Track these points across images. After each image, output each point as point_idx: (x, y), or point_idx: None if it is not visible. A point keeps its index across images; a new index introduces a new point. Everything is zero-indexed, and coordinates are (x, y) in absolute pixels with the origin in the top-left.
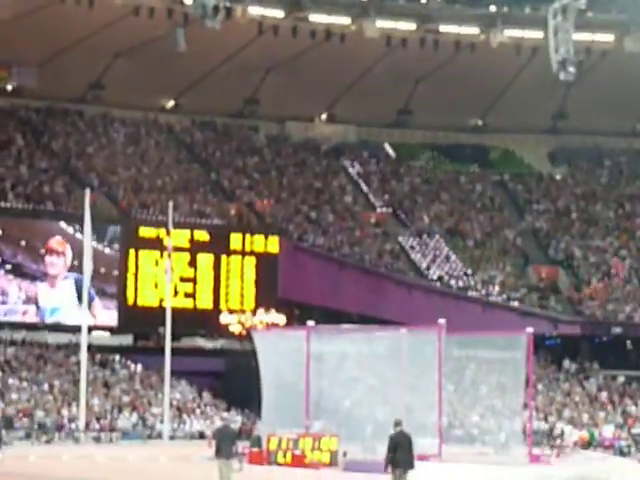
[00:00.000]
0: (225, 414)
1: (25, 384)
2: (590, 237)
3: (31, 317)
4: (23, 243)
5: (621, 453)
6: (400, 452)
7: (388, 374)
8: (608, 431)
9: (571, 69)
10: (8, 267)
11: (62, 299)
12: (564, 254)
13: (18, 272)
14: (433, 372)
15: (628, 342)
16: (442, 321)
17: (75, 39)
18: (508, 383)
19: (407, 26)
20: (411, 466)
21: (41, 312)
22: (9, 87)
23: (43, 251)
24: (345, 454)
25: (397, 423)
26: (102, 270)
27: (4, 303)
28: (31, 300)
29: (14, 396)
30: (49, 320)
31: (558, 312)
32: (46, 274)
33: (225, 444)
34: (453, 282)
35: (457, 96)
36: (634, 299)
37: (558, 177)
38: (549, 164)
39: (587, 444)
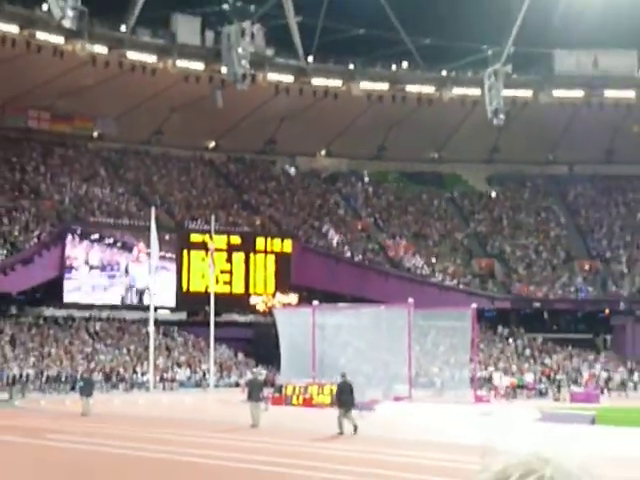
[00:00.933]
0: (254, 369)
1: (109, 349)
2: (517, 237)
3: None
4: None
5: (540, 394)
6: (344, 395)
7: (371, 339)
8: (529, 378)
9: (501, 116)
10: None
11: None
12: (498, 250)
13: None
14: (404, 337)
15: (545, 313)
16: (410, 300)
17: (142, 98)
18: (459, 344)
19: (382, 86)
20: (352, 406)
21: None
22: (95, 134)
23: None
24: None
25: (342, 375)
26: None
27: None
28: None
29: (102, 357)
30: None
31: (494, 292)
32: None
33: (255, 391)
34: (418, 271)
35: (420, 136)
36: (548, 282)
37: (493, 194)
38: (487, 185)
39: (516, 387)
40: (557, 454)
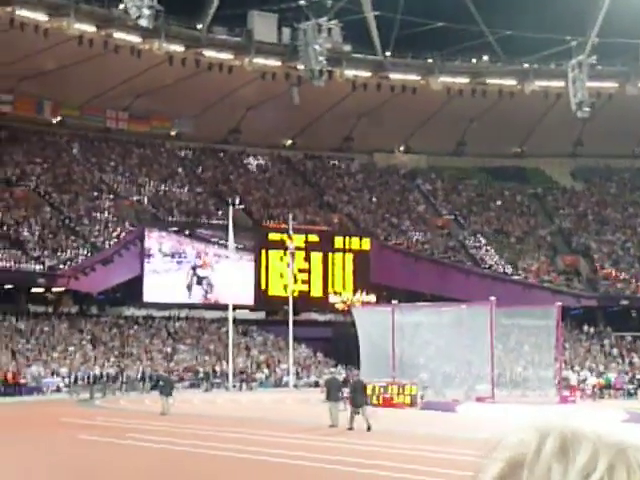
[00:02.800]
0: (332, 369)
1: (189, 348)
2: (602, 233)
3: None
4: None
5: (629, 394)
6: (357, 394)
7: (453, 338)
8: (616, 377)
9: (586, 109)
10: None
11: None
12: (583, 246)
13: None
14: (486, 336)
15: (633, 311)
16: (492, 298)
17: (219, 96)
18: (543, 343)
19: (462, 80)
20: (365, 403)
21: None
22: (172, 133)
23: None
24: (422, 397)
25: (355, 375)
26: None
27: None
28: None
29: (182, 356)
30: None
31: (580, 290)
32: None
33: (333, 390)
34: (500, 269)
35: (501, 131)
36: (636, 278)
37: (578, 189)
38: (571, 180)
39: (603, 388)
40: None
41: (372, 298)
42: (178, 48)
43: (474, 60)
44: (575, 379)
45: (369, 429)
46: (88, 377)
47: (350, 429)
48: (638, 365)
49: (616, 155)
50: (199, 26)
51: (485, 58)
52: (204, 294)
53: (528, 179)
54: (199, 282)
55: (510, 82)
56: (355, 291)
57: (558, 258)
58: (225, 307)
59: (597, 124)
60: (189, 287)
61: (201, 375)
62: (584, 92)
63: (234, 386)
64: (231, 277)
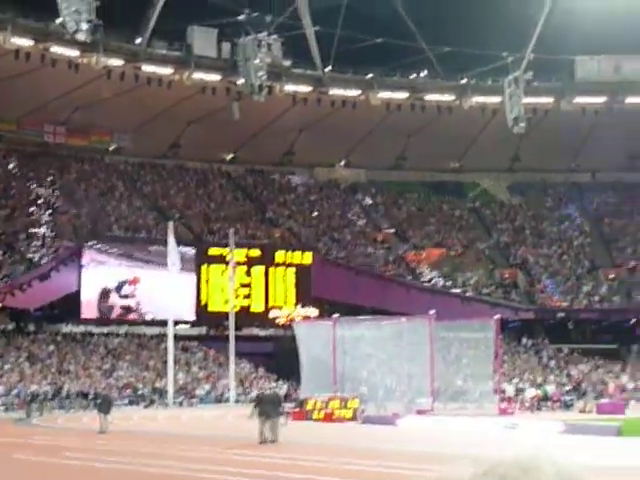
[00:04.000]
0: (274, 384)
1: (128, 364)
2: (540, 247)
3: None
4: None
5: (566, 406)
6: (272, 406)
7: (393, 351)
8: (553, 389)
9: (522, 124)
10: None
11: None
12: (521, 260)
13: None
14: (426, 349)
15: (569, 323)
16: (432, 312)
17: (159, 111)
18: (482, 355)
19: (401, 95)
20: (278, 416)
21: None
22: (111, 148)
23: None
24: (363, 411)
25: (270, 389)
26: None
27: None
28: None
29: (121, 373)
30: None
31: (518, 302)
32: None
33: (274, 406)
34: (440, 282)
35: (440, 146)
36: (572, 291)
37: (515, 203)
38: (508, 194)
39: (541, 400)
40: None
41: (314, 312)
42: (117, 62)
43: (413, 75)
44: (513, 391)
45: (273, 442)
46: (25, 395)
47: (262, 442)
48: (575, 377)
49: (552, 170)
50: (138, 40)
51: (424, 74)
52: (125, 309)
53: (466, 193)
54: (121, 295)
55: (448, 97)
56: (297, 305)
57: (496, 271)
58: (165, 323)
59: (533, 139)
60: (104, 293)
61: (140, 392)
62: (520, 108)
63: (174, 402)
64: (171, 292)
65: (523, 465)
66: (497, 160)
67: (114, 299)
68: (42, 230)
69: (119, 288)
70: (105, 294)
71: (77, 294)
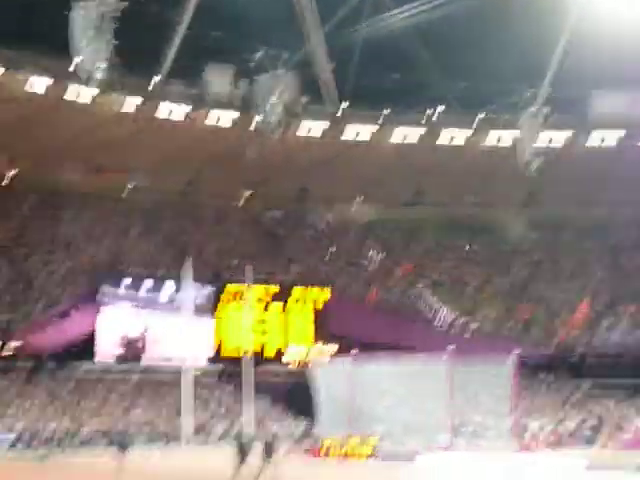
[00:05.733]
0: (291, 421)
1: (147, 403)
2: (559, 282)
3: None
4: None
5: (587, 442)
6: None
7: (411, 388)
8: (574, 425)
9: (539, 159)
10: None
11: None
12: (540, 296)
13: None
14: (445, 385)
15: (589, 358)
16: (450, 347)
17: (176, 149)
18: (501, 392)
19: (417, 132)
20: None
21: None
22: (128, 187)
23: None
24: (381, 448)
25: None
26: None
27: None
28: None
29: (139, 411)
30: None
31: (536, 338)
32: None
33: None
34: (458, 319)
35: (456, 182)
36: (592, 327)
37: (533, 238)
38: (526, 229)
39: (561, 436)
40: None
41: (332, 349)
42: (134, 101)
43: (430, 111)
44: (533, 428)
45: None
46: (44, 433)
47: None
48: (595, 412)
49: (570, 205)
50: (155, 79)
51: (440, 109)
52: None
53: (484, 229)
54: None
55: (465, 134)
56: (314, 342)
57: (514, 307)
58: (182, 361)
59: (551, 174)
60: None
61: (158, 430)
62: (537, 142)
63: (189, 442)
64: (188, 331)
65: None
66: (514, 196)
67: (131, 338)
68: (60, 269)
69: (136, 327)
70: (122, 333)
71: (94, 333)
